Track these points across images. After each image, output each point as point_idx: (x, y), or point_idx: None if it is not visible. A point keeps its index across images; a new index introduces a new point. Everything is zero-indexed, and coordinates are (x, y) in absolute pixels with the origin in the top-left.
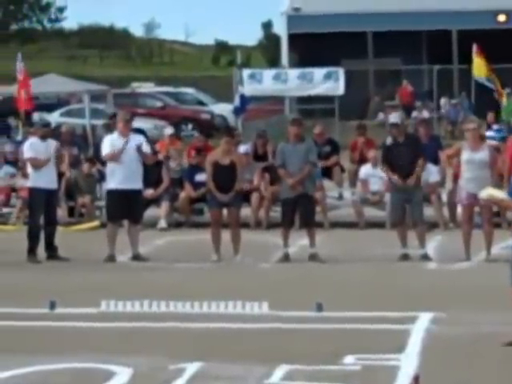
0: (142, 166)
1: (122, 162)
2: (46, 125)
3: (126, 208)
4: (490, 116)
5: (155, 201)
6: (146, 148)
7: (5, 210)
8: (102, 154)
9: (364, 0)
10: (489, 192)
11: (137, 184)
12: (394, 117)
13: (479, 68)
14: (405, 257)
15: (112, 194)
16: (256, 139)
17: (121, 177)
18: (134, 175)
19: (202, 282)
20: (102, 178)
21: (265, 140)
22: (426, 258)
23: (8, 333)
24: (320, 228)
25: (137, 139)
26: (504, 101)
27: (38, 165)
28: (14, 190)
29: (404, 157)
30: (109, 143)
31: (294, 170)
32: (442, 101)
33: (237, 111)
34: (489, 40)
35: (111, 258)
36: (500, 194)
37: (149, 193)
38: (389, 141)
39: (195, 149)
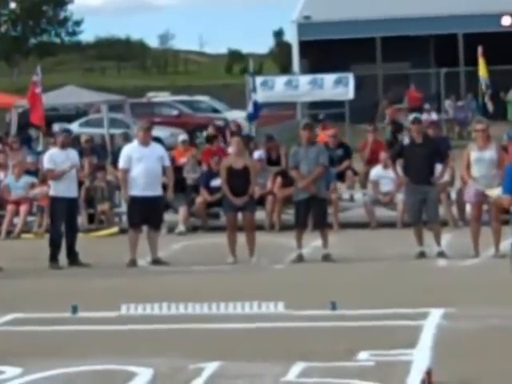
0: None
1: (142, 170)
2: (67, 130)
3: (146, 214)
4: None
5: (171, 205)
6: (167, 161)
7: (29, 218)
8: (120, 163)
9: (372, 7)
10: (497, 192)
11: (157, 191)
12: (416, 115)
13: (482, 69)
14: (421, 255)
15: (133, 201)
16: (266, 144)
17: (142, 184)
18: (155, 182)
19: (218, 284)
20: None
21: (274, 143)
22: (442, 255)
23: (32, 337)
24: (330, 229)
25: (158, 149)
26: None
27: (53, 177)
28: (35, 198)
29: (419, 158)
30: (127, 152)
31: (305, 172)
32: (447, 103)
33: (250, 118)
34: (494, 42)
35: (133, 263)
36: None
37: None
38: (406, 140)
39: (213, 154)
